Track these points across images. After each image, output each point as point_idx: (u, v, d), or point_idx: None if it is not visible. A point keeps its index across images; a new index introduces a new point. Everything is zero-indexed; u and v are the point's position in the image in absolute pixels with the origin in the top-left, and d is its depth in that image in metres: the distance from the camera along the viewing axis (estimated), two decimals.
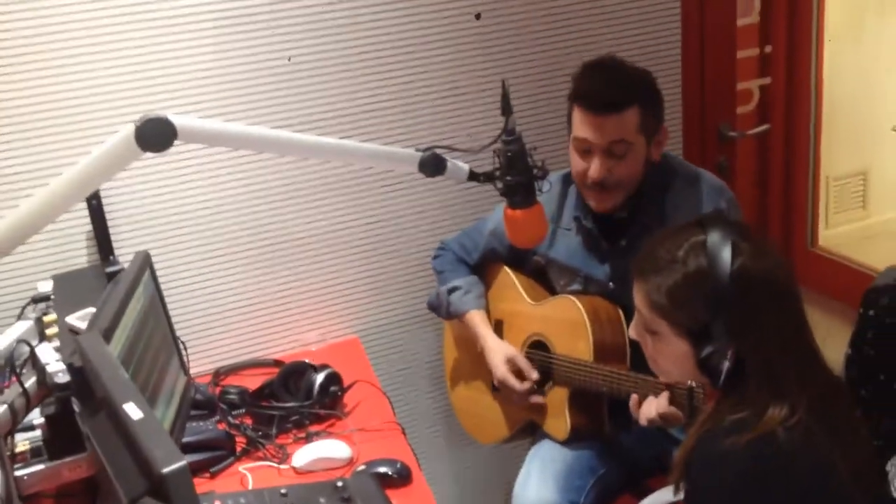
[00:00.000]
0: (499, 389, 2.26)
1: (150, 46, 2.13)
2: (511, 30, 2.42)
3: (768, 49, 3.14)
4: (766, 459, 1.30)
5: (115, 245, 2.19)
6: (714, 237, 1.37)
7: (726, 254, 1.35)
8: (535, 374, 2.14)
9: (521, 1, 2.41)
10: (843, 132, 3.99)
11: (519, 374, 2.16)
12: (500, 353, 2.18)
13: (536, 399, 2.15)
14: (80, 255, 2.20)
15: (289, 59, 2.24)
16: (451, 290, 2.29)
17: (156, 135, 1.37)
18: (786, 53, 3.47)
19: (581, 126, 1.98)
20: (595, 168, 1.98)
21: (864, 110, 4.02)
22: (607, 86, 1.97)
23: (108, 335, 1.45)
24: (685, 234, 1.43)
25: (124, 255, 2.18)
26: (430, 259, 2.44)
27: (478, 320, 2.26)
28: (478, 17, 2.37)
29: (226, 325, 2.38)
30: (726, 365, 1.36)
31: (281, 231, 2.36)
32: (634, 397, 1.83)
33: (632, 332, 1.57)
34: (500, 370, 2.16)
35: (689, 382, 1.61)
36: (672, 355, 1.48)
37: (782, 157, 3.75)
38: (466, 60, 2.41)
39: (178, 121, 1.39)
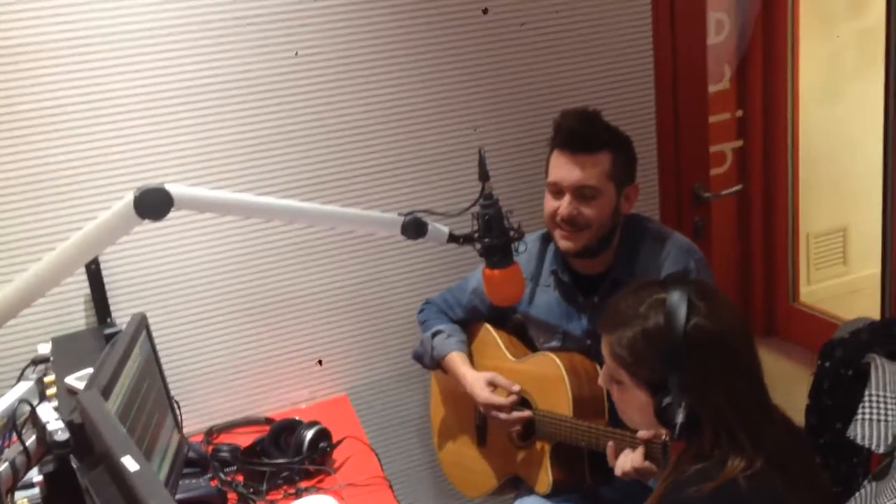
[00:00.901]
0: (485, 443, 2.32)
1: (146, 118, 2.24)
2: (486, 97, 2.54)
3: (740, 113, 3.26)
4: None
5: (112, 307, 2.27)
6: (673, 296, 1.46)
7: (682, 312, 1.43)
8: (516, 387, 2.19)
9: (500, 71, 2.53)
10: (822, 190, 4.11)
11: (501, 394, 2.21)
12: (479, 379, 2.23)
13: (520, 414, 2.18)
14: (78, 317, 2.28)
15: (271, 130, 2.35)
16: (435, 334, 2.36)
17: (154, 204, 1.46)
18: (762, 116, 3.61)
19: (554, 169, 2.09)
20: (564, 206, 2.07)
21: (843, 168, 4.14)
22: (583, 127, 2.08)
23: (106, 393, 1.52)
24: (648, 291, 1.52)
25: (121, 316, 2.27)
26: (415, 317, 2.52)
27: (459, 361, 2.31)
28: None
29: (218, 384, 2.45)
30: (680, 418, 1.44)
31: (271, 292, 2.45)
32: (611, 445, 1.88)
33: (600, 380, 1.65)
34: (482, 395, 2.21)
35: (663, 437, 1.68)
36: (634, 404, 1.56)
37: (762, 215, 3.87)
38: (446, 129, 2.53)
39: (174, 190, 1.48)
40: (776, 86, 3.71)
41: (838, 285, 4.41)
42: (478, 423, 2.37)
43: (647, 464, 1.85)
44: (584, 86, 2.62)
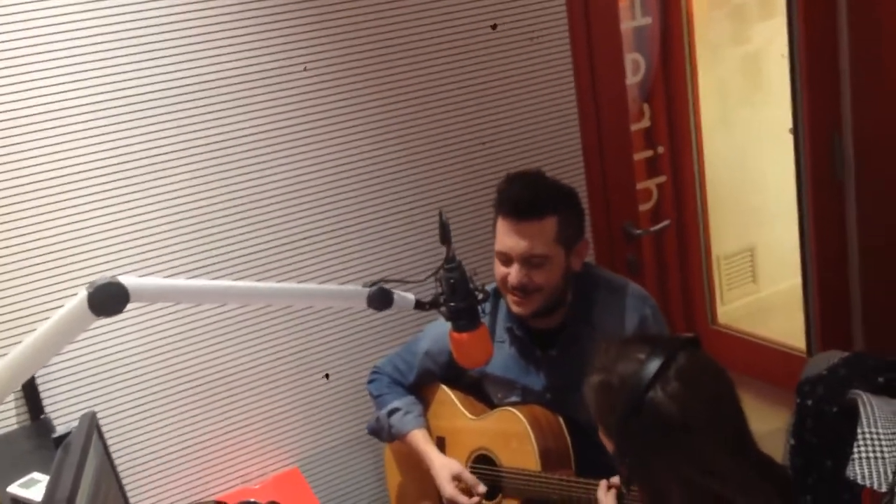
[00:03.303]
0: None
1: (94, 207, 2.15)
2: (413, 158, 2.51)
3: (661, 150, 3.34)
4: None
5: (44, 401, 2.14)
6: (651, 361, 1.41)
7: (646, 379, 1.39)
8: (482, 488, 2.15)
9: (429, 128, 2.51)
10: (728, 213, 4.24)
11: (466, 491, 2.18)
12: (445, 470, 2.19)
13: None
14: (8, 415, 2.13)
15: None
16: (391, 413, 2.30)
17: (109, 299, 1.37)
18: (670, 150, 3.70)
19: (502, 238, 2.06)
20: (514, 274, 2.05)
21: (744, 191, 4.28)
22: (527, 194, 2.05)
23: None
24: (636, 346, 1.48)
25: (55, 411, 2.14)
26: (361, 382, 2.45)
27: (420, 439, 2.27)
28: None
29: (166, 470, 2.32)
30: (625, 475, 1.46)
31: (212, 370, 2.34)
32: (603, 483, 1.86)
33: None
34: (448, 489, 2.17)
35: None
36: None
37: (676, 245, 3.95)
38: (392, 196, 2.50)
39: (128, 282, 1.38)
40: (680, 118, 3.81)
41: (750, 303, 4.54)
42: None
43: None
44: (512, 135, 2.62)
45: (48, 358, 1.45)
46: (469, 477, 2.18)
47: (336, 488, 2.56)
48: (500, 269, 2.09)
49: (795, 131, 2.99)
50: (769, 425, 1.47)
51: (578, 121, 2.70)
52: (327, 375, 2.50)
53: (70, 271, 2.13)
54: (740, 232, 4.41)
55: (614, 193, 2.80)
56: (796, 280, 3.39)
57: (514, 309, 2.10)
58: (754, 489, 1.39)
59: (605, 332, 2.11)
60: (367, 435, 2.45)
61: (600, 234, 2.79)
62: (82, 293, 1.35)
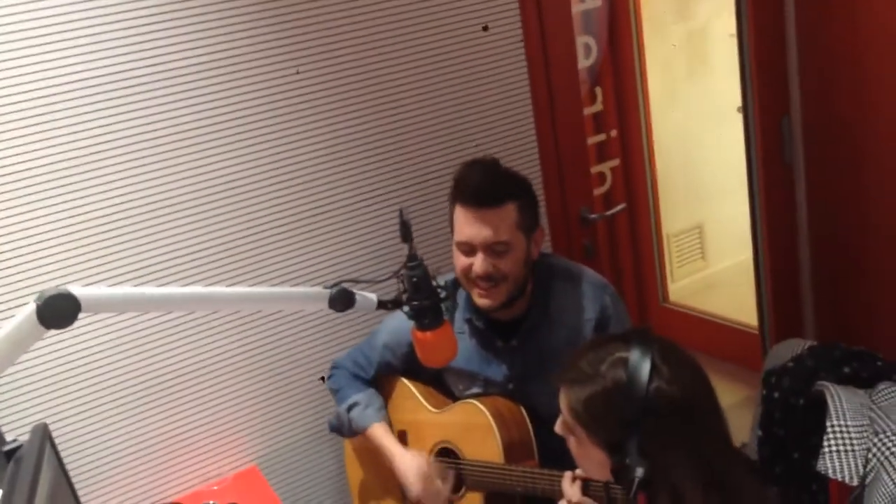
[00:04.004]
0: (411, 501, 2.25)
1: (35, 215, 2.07)
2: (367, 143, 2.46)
3: (614, 133, 3.33)
4: None
5: None
6: (635, 356, 1.41)
7: (643, 376, 1.39)
8: (450, 477, 2.13)
9: (380, 118, 2.46)
10: (676, 191, 4.27)
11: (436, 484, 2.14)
12: (412, 469, 2.15)
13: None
14: None
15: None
16: (350, 407, 2.28)
17: (59, 311, 1.31)
18: (621, 133, 3.70)
19: (462, 228, 2.03)
20: (479, 263, 2.01)
21: (692, 168, 4.31)
22: (486, 181, 2.02)
23: None
24: (609, 348, 1.46)
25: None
26: (319, 376, 2.42)
27: (381, 433, 2.24)
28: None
29: (120, 475, 2.26)
30: (637, 481, 1.40)
31: (164, 370, 2.28)
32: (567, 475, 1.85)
33: (557, 428, 1.58)
34: (416, 488, 2.14)
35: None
36: (591, 460, 1.52)
37: (628, 226, 3.97)
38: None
39: (79, 292, 1.32)
40: (628, 98, 3.82)
41: (699, 280, 4.59)
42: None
43: (587, 500, 1.84)
44: (466, 122, 2.58)
45: (1, 371, 1.40)
46: (439, 470, 2.14)
47: (296, 486, 2.52)
48: (462, 260, 2.06)
49: (745, 113, 3.00)
50: (723, 401, 1.47)
51: (532, 108, 2.67)
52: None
53: (11, 282, 2.07)
54: (689, 209, 4.44)
55: (570, 179, 2.78)
56: (743, 256, 3.42)
57: (480, 302, 2.07)
58: (750, 472, 1.41)
59: (564, 321, 2.10)
60: (325, 429, 2.42)
61: (556, 221, 2.78)
62: (31, 305, 1.29)
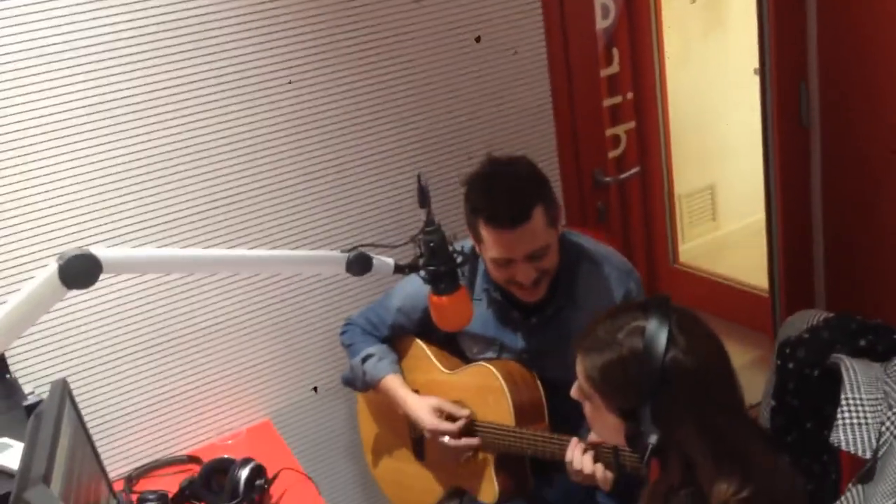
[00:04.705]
0: (424, 457, 2.28)
1: (56, 178, 2.10)
2: (382, 101, 2.46)
3: (630, 96, 3.30)
4: None
5: (8, 358, 2.09)
6: (652, 326, 1.41)
7: (660, 345, 1.39)
8: (465, 411, 2.15)
9: (396, 75, 2.45)
10: (689, 151, 4.24)
11: (450, 419, 2.17)
12: (424, 406, 2.18)
13: (469, 442, 2.14)
14: None
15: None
16: (365, 359, 2.29)
17: (81, 272, 1.32)
18: (636, 95, 3.67)
19: (497, 247, 1.99)
20: (523, 273, 2.00)
21: (705, 129, 4.28)
22: (512, 200, 1.96)
23: (46, 480, 1.39)
24: (627, 316, 1.47)
25: (18, 368, 2.10)
26: (332, 333, 2.44)
27: (396, 384, 2.25)
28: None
29: (136, 426, 2.30)
30: (650, 447, 1.41)
31: (181, 323, 2.31)
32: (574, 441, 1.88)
33: (573, 392, 1.59)
34: (429, 420, 2.15)
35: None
36: (607, 425, 1.54)
37: (640, 188, 3.95)
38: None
39: (101, 253, 1.33)
40: (644, 60, 3.77)
41: (710, 241, 4.59)
42: (414, 437, 2.32)
43: (598, 467, 1.87)
44: (484, 87, 2.57)
45: (22, 331, 1.41)
46: (449, 406, 2.17)
47: (308, 439, 2.56)
48: (502, 272, 2.04)
49: (762, 76, 2.98)
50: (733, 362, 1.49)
51: (547, 63, 2.65)
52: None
53: (32, 242, 2.09)
54: (701, 170, 4.41)
55: (583, 139, 2.78)
56: (754, 218, 3.41)
57: (524, 298, 2.07)
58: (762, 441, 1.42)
59: (589, 306, 2.07)
60: (339, 384, 2.45)
61: (569, 182, 2.78)
62: (52, 265, 1.30)
